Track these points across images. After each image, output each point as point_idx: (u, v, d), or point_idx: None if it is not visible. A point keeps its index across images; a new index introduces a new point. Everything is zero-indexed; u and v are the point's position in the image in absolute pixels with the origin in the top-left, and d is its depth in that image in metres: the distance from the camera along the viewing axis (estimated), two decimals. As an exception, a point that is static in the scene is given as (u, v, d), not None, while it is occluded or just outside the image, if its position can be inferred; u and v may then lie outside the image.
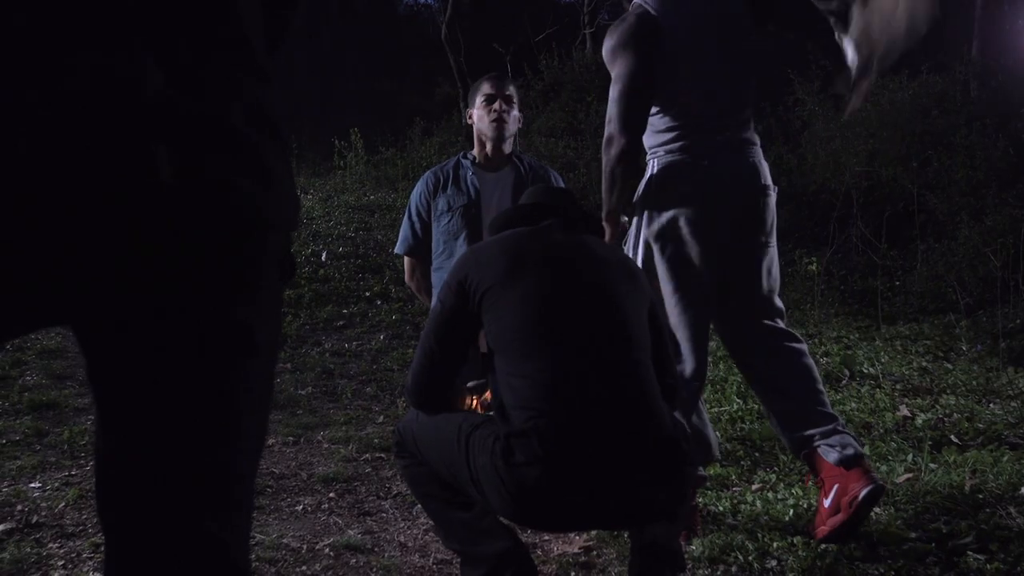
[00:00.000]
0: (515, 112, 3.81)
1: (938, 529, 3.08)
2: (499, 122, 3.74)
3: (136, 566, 1.17)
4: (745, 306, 3.28)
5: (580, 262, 2.50)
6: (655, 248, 3.17)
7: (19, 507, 3.54)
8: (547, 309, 2.38)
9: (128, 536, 1.17)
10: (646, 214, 3.19)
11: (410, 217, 3.87)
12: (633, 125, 3.16)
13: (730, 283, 3.24)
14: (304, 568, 3.09)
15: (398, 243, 3.96)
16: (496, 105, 3.75)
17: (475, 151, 3.86)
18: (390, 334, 7.04)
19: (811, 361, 3.28)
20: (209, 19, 1.15)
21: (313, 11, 21.02)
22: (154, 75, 1.08)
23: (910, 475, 3.53)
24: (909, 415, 4.54)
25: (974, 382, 5.19)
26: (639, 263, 3.16)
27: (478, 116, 3.81)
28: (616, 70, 3.18)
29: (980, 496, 3.34)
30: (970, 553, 2.93)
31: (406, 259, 3.97)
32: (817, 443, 3.11)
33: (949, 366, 5.65)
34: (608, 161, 3.16)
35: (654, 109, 3.22)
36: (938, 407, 4.71)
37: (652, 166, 3.23)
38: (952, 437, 4.17)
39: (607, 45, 3.23)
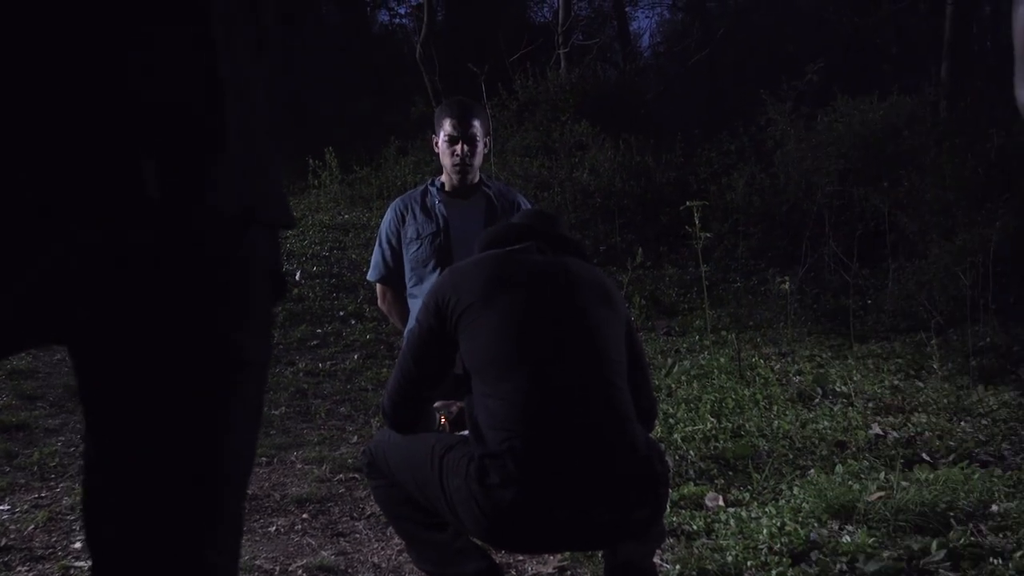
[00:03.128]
0: (480, 147, 3.73)
1: (910, 547, 3.09)
2: (462, 167, 3.69)
3: None
4: None
5: (558, 284, 2.51)
6: None
7: (-13, 530, 3.50)
8: (523, 331, 2.39)
9: (117, 558, 1.16)
10: None
11: (380, 245, 3.85)
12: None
13: None
14: (277, 590, 3.07)
15: (370, 270, 3.94)
16: (459, 148, 3.66)
17: (443, 178, 3.82)
18: (364, 354, 7.02)
19: None
20: (192, 21, 1.14)
21: (287, 31, 21.00)
22: (140, 87, 1.07)
23: (882, 493, 3.55)
24: (881, 433, 4.58)
25: (945, 400, 5.23)
26: None
27: (442, 151, 3.73)
28: None
29: (952, 514, 3.36)
30: (942, 571, 2.95)
31: (378, 285, 3.96)
32: None
33: (920, 384, 5.69)
34: None
35: None
36: (910, 425, 4.75)
37: None
38: (924, 455, 4.20)
39: None
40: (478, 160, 3.73)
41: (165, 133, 1.09)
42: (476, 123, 3.69)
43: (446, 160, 3.71)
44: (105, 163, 1.05)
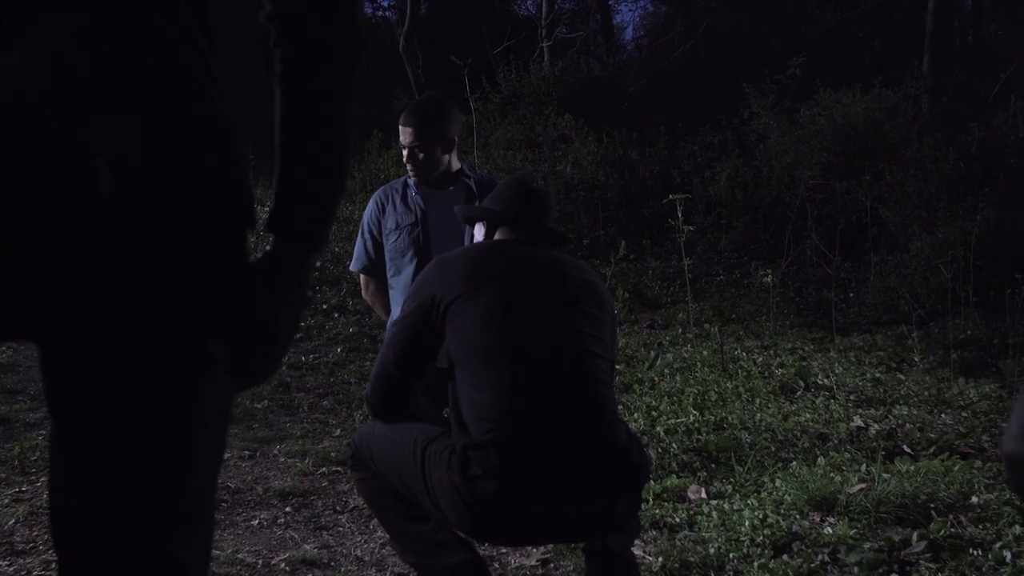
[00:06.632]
0: (437, 153, 3.61)
1: (891, 538, 3.11)
2: (417, 176, 3.64)
3: None
4: None
5: (544, 278, 2.51)
6: None
7: (-33, 524, 3.48)
8: (509, 323, 2.39)
9: (83, 557, 1.15)
10: None
11: (363, 235, 3.84)
12: None
13: None
14: (259, 584, 3.06)
15: (352, 261, 3.92)
16: (407, 159, 3.61)
17: None
18: (347, 347, 7.01)
19: None
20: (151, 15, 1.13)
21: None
22: (93, 86, 1.07)
23: (863, 485, 3.56)
24: (863, 425, 4.59)
25: (926, 392, 5.26)
26: None
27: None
28: None
29: (932, 506, 3.38)
30: (922, 562, 2.97)
31: (361, 276, 3.95)
32: None
33: (902, 377, 5.72)
34: None
35: None
36: (891, 417, 4.77)
37: None
38: (905, 447, 4.22)
39: None
40: (434, 167, 3.65)
41: (118, 130, 1.08)
42: (431, 129, 3.58)
43: (407, 165, 3.68)
44: (60, 160, 1.05)
